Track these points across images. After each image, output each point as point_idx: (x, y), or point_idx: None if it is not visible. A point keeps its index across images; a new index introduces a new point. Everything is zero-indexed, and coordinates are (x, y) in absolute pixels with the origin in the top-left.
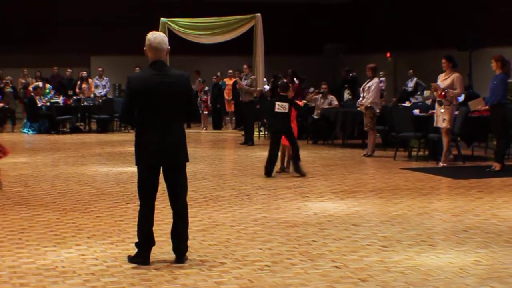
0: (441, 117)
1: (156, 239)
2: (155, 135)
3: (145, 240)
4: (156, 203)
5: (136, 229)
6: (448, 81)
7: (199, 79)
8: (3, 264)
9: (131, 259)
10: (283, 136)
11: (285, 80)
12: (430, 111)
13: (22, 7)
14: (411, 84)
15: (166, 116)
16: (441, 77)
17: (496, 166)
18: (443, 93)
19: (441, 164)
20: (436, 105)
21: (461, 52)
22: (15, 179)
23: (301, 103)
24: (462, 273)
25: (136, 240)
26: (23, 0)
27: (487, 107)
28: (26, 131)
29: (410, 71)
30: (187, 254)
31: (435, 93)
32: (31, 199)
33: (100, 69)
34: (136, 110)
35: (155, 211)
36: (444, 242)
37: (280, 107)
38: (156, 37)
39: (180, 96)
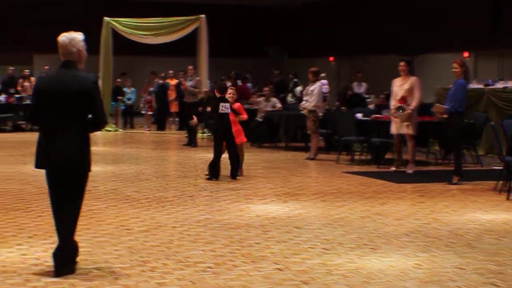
0: (405, 124)
1: (96, 239)
2: (52, 139)
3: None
4: (97, 203)
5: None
6: (406, 85)
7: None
8: None
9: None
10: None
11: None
12: (373, 116)
13: None
14: (361, 89)
15: (62, 118)
16: (397, 81)
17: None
18: (403, 99)
19: (410, 171)
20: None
21: (402, 57)
22: None
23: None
24: (402, 276)
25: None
26: None
27: (445, 116)
28: None
29: (359, 74)
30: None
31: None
32: None
33: (46, 67)
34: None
35: (94, 212)
36: (385, 246)
37: (224, 107)
38: (64, 39)
39: (78, 99)
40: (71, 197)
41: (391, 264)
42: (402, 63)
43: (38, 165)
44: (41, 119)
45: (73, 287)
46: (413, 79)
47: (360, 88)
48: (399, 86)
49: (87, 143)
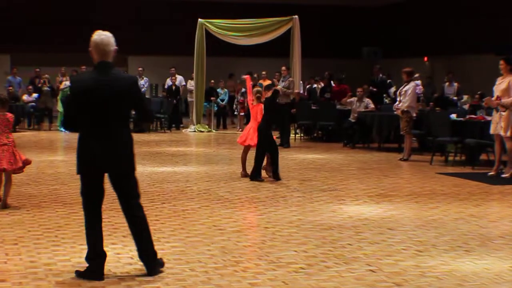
0: (499, 124)
1: (189, 239)
2: (95, 141)
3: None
4: (191, 203)
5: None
6: (503, 85)
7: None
8: (39, 261)
9: (79, 274)
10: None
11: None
12: (468, 116)
13: (60, 6)
14: (451, 89)
15: (106, 121)
16: (498, 80)
17: None
18: (498, 99)
19: (506, 175)
20: (494, 112)
21: (499, 57)
22: (52, 177)
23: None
24: (497, 279)
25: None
26: (61, 0)
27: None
28: (63, 130)
29: (450, 75)
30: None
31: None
32: (67, 197)
33: (140, 69)
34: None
35: (187, 212)
36: (480, 248)
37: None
38: (103, 38)
39: (123, 100)
40: (132, 198)
41: (486, 267)
42: (501, 62)
43: (88, 171)
44: (78, 123)
45: (167, 286)
46: (510, 78)
47: (450, 88)
48: (497, 86)
49: (132, 144)
